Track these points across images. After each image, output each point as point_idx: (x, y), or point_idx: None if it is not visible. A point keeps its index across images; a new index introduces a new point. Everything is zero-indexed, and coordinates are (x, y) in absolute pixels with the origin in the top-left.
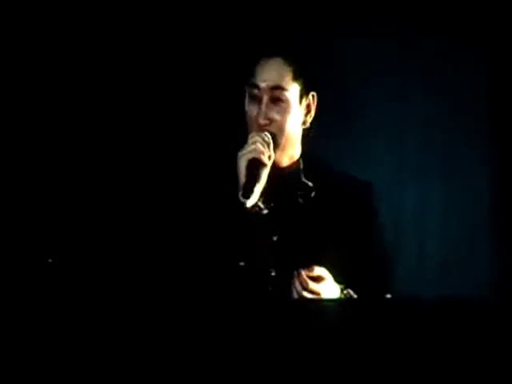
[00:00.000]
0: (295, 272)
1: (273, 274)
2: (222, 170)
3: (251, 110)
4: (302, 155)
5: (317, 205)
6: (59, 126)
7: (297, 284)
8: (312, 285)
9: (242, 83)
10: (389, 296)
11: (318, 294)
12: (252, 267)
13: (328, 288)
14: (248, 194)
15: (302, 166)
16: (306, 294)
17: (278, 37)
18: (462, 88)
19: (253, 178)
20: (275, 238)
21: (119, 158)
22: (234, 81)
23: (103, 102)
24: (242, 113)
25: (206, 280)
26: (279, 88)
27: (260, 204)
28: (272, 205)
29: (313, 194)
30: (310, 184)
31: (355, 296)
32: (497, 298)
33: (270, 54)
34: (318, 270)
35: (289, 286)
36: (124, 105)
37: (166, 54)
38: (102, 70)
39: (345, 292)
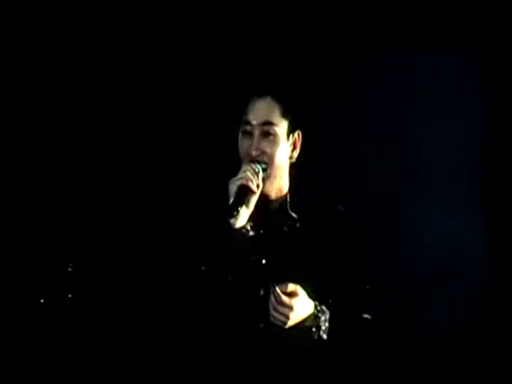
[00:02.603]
0: (271, 288)
1: (261, 293)
2: (215, 195)
3: (244, 143)
4: (289, 190)
5: (301, 234)
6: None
7: (272, 298)
8: (284, 299)
9: (233, 123)
10: (367, 316)
11: (290, 307)
12: (241, 283)
13: (300, 303)
14: (231, 213)
15: (288, 199)
16: (278, 307)
17: (267, 78)
18: None
19: (239, 202)
20: (264, 261)
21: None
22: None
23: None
24: (235, 148)
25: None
26: (269, 123)
27: (248, 227)
28: (259, 230)
29: (298, 225)
30: (295, 216)
31: (328, 312)
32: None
33: (261, 93)
34: (291, 287)
35: None
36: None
37: (162, 91)
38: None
39: (318, 308)
